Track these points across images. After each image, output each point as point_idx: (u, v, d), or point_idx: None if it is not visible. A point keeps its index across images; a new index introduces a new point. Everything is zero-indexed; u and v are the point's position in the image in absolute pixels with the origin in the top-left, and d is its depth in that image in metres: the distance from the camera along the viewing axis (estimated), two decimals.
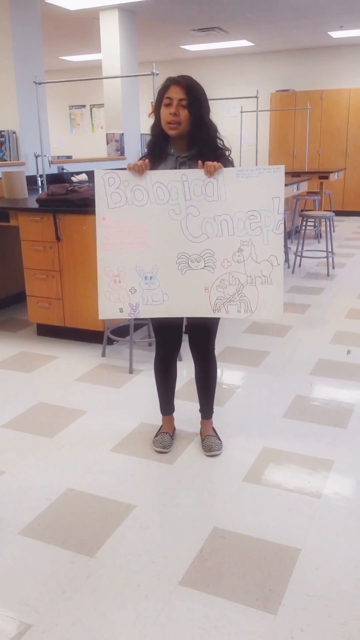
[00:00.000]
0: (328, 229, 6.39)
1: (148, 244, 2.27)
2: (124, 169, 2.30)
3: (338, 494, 2.33)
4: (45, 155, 5.69)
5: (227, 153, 2.32)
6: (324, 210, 7.16)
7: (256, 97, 6.22)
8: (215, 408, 2.75)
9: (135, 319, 3.81)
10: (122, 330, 4.03)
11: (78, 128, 12.94)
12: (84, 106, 12.72)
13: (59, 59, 11.05)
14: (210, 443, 2.63)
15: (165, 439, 2.66)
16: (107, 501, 2.29)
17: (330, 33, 9.16)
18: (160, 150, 2.30)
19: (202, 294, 2.30)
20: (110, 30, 7.54)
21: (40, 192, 4.96)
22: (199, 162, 2.20)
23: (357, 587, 1.83)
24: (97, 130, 12.63)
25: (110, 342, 4.01)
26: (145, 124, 9.45)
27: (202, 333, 2.52)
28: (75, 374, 3.58)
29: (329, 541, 2.05)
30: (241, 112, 8.29)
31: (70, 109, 12.81)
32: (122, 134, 7.79)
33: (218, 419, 2.84)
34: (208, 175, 2.18)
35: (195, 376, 2.66)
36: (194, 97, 2.20)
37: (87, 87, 12.02)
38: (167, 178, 2.21)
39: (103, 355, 3.86)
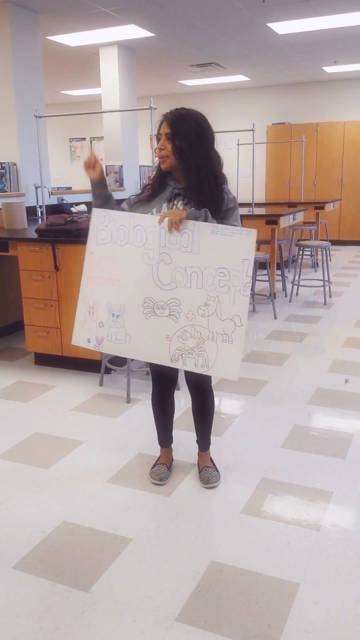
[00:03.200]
0: (324, 258, 6.44)
1: (120, 283, 2.31)
2: (124, 199, 2.37)
3: (337, 526, 2.30)
4: (45, 187, 5.76)
5: (222, 187, 2.29)
6: (321, 240, 7.23)
7: (252, 130, 6.34)
8: (213, 438, 2.73)
9: None
10: (119, 359, 4.03)
11: (78, 160, 13.13)
12: (84, 139, 12.94)
13: (60, 93, 11.28)
14: (207, 475, 2.61)
15: (162, 470, 2.64)
16: (103, 534, 2.25)
17: (324, 68, 9.39)
18: (161, 183, 2.34)
19: (163, 342, 2.28)
20: (110, 66, 7.73)
21: (40, 222, 5.01)
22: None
23: (357, 623, 1.79)
24: None
25: (108, 371, 4.00)
26: (144, 156, 9.62)
27: (199, 379, 2.52)
28: (72, 403, 3.56)
29: (328, 575, 2.01)
30: (238, 144, 8.43)
31: (70, 141, 13.03)
32: (121, 166, 7.92)
33: (216, 449, 2.82)
34: (170, 230, 2.17)
35: (192, 408, 2.65)
36: (176, 128, 2.21)
37: (87, 120, 12.25)
38: (147, 222, 2.24)
39: (101, 384, 3.85)
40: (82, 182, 12.33)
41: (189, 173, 2.24)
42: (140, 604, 1.89)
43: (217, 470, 2.66)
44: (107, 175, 8.04)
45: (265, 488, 2.58)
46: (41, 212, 5.48)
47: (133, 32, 6.86)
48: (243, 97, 11.33)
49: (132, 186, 8.02)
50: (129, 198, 2.44)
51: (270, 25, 6.68)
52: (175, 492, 2.55)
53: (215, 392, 2.64)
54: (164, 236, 2.21)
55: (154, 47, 7.68)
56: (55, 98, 11.71)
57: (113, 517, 2.37)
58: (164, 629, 1.78)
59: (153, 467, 2.69)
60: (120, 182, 7.92)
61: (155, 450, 2.77)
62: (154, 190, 2.35)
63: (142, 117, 8.33)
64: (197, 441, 2.70)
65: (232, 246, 2.16)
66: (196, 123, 2.25)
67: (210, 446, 2.71)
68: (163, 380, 2.60)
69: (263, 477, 2.67)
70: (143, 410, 3.42)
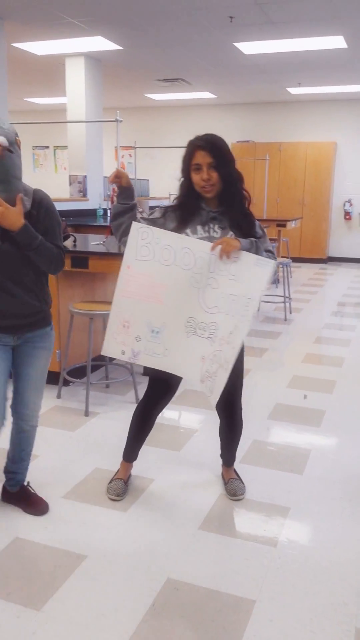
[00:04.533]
0: (285, 274, 6.53)
1: (163, 302, 2.26)
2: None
3: (294, 542, 2.30)
4: None
5: (246, 202, 2.33)
6: (282, 257, 7.34)
7: None
8: (172, 452, 2.72)
9: (92, 360, 3.76)
10: (78, 371, 3.97)
11: (41, 168, 13.01)
12: (47, 147, 12.84)
13: (24, 101, 11.18)
14: (234, 487, 2.63)
15: (119, 486, 2.60)
16: (57, 551, 2.20)
17: (288, 89, 9.60)
18: (192, 206, 2.31)
19: (198, 362, 2.28)
20: (76, 76, 7.71)
21: None
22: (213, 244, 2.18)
23: None
24: (60, 171, 12.73)
25: (67, 383, 3.94)
26: (108, 167, 9.52)
27: (228, 401, 2.52)
28: None
29: (284, 592, 2.01)
30: None
31: (33, 149, 12.90)
32: (85, 176, 7.88)
33: (174, 464, 2.80)
34: (221, 258, 2.16)
35: (221, 427, 2.66)
36: (219, 157, 2.22)
37: (52, 128, 12.16)
38: (197, 247, 2.20)
39: (58, 396, 3.78)
40: (44, 190, 12.19)
41: (233, 198, 2.27)
42: (93, 622, 1.84)
43: (243, 482, 2.67)
44: (70, 184, 7.99)
45: (223, 504, 2.56)
46: None
47: (100, 44, 6.87)
48: (208, 113, 11.46)
49: (95, 196, 7.99)
50: (152, 218, 2.34)
51: (237, 44, 6.80)
52: (133, 507, 2.51)
53: (174, 406, 2.63)
54: (213, 263, 2.18)
55: (121, 59, 7.71)
56: (20, 105, 11.59)
57: (67, 533, 2.32)
58: None
59: (110, 482, 2.64)
60: (84, 193, 7.87)
61: (113, 464, 2.73)
62: (186, 213, 2.31)
63: (107, 128, 8.32)
64: (222, 456, 2.73)
65: (264, 278, 2.18)
66: (226, 145, 2.29)
67: (169, 460, 2.68)
68: (156, 397, 2.55)
69: (221, 492, 2.65)
70: (101, 424, 3.37)
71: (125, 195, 2.31)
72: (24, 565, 2.11)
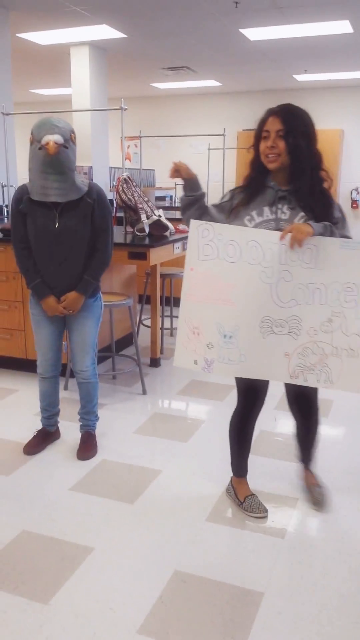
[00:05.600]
0: None
1: (233, 303, 2.11)
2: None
3: (302, 533, 2.28)
4: (12, 186, 5.65)
5: (326, 185, 2.12)
6: None
7: (223, 135, 6.36)
8: (179, 444, 2.70)
9: (99, 351, 3.75)
10: None
11: None
12: None
13: (29, 92, 11.12)
14: (316, 495, 2.49)
15: (259, 502, 2.43)
16: (64, 543, 2.19)
17: (295, 76, 9.48)
18: (259, 184, 2.15)
19: (282, 360, 2.14)
20: (81, 66, 7.65)
21: (6, 222, 4.91)
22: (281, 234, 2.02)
23: (321, 633, 1.77)
24: None
25: (73, 375, 3.92)
26: (114, 158, 9.41)
27: (305, 401, 2.47)
28: (34, 408, 3.47)
29: (293, 583, 1.99)
30: (209, 149, 8.44)
31: None
32: (91, 167, 7.84)
33: (181, 455, 2.78)
34: (292, 247, 1.99)
35: (297, 427, 2.54)
36: (291, 126, 2.07)
37: None
38: (264, 238, 2.05)
39: (65, 388, 3.77)
40: None
41: (302, 174, 2.06)
42: (101, 615, 1.83)
43: (325, 487, 2.56)
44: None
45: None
46: (7, 212, 5.37)
47: (105, 32, 6.79)
48: (214, 102, 11.35)
49: (102, 187, 7.94)
50: (220, 203, 2.23)
51: (242, 31, 6.70)
52: (139, 500, 2.50)
53: (181, 397, 2.60)
54: (284, 253, 2.03)
55: (126, 48, 7.63)
56: (25, 97, 11.53)
57: (75, 525, 2.31)
58: None
59: (242, 502, 2.43)
60: None
61: (121, 456, 2.72)
62: (251, 193, 2.16)
63: (112, 118, 8.26)
64: (302, 460, 2.60)
65: None
66: (307, 119, 2.12)
67: (177, 452, 2.66)
68: (250, 405, 2.39)
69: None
70: (108, 415, 3.36)
71: (190, 187, 2.20)
72: (30, 558, 2.10)
